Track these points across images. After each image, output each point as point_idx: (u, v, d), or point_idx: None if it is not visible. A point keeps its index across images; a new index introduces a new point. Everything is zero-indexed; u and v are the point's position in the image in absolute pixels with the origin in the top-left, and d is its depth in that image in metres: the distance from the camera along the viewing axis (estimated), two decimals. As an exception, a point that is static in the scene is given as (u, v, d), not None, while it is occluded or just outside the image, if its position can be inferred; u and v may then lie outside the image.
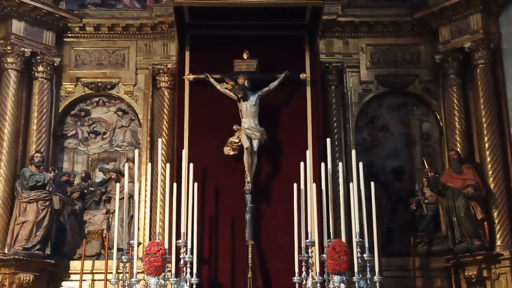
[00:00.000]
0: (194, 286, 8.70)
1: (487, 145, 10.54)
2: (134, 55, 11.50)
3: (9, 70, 10.72)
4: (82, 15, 11.47)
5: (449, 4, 11.02)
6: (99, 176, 11.16)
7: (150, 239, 8.85)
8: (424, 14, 11.33)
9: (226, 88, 9.99)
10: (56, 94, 11.26)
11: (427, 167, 10.69)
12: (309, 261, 8.55)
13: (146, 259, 8.34)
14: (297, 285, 8.44)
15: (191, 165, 9.13)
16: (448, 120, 11.09)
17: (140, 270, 8.73)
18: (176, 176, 9.48)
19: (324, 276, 8.49)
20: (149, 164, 9.75)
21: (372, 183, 9.07)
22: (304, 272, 8.46)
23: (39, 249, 10.03)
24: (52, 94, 11.16)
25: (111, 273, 8.65)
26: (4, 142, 10.44)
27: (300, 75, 10.22)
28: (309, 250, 8.56)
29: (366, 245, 8.68)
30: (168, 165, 9.27)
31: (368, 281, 8.58)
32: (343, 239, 8.66)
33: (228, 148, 9.88)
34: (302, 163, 8.94)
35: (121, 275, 8.65)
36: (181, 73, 10.40)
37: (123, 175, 9.90)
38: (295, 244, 8.57)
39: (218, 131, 10.00)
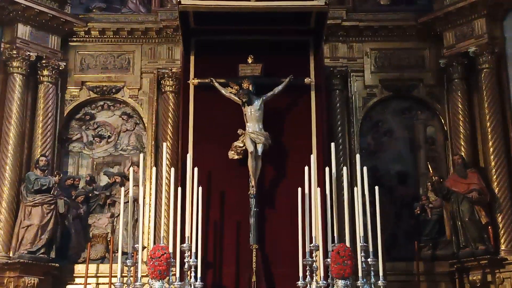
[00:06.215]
0: (198, 290, 8.71)
1: (491, 149, 10.54)
2: (139, 59, 11.55)
3: (15, 74, 10.77)
4: (88, 19, 11.52)
5: (454, 8, 11.03)
6: (103, 180, 11.20)
7: (154, 243, 8.85)
8: (428, 19, 11.34)
9: (230, 92, 9.98)
10: (61, 98, 11.31)
11: (431, 171, 10.70)
12: (313, 265, 8.54)
13: (151, 263, 8.35)
14: (301, 289, 8.45)
15: (196, 169, 9.11)
16: (452, 125, 11.09)
17: (145, 274, 8.75)
18: (180, 180, 9.46)
19: (329, 280, 8.47)
20: (154, 168, 9.71)
21: (377, 188, 9.07)
22: (308, 277, 8.45)
23: (44, 253, 10.05)
24: (57, 98, 11.21)
25: (116, 276, 8.66)
26: (10, 146, 10.49)
27: (305, 80, 10.18)
28: (313, 255, 8.57)
29: (371, 249, 8.67)
30: (172, 169, 9.28)
31: (373, 286, 8.53)
32: (348, 243, 8.64)
33: (233, 152, 9.87)
34: (306, 168, 8.92)
35: (125, 279, 8.64)
36: (186, 77, 10.38)
37: (127, 179, 9.91)
38: (299, 248, 8.57)
39: (222, 136, 9.97)
